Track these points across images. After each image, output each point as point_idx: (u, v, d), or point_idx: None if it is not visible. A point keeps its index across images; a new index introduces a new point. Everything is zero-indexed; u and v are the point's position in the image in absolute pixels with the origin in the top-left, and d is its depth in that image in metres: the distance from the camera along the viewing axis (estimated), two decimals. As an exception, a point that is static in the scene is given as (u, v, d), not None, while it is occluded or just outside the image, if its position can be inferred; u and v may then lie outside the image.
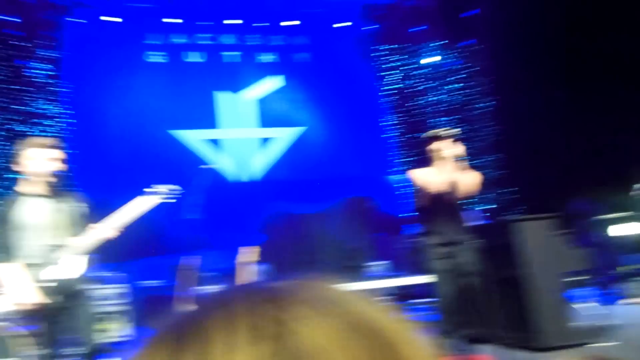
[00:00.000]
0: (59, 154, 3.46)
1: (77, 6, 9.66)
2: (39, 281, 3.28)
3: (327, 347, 0.34)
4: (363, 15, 11.05)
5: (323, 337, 0.35)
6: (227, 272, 8.09)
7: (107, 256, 5.78)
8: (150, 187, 3.61)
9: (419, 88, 11.24)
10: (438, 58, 11.13)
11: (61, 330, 3.32)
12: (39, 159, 3.36)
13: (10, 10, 9.13)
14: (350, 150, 10.97)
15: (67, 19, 9.87)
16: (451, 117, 10.70)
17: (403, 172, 10.71)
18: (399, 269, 7.11)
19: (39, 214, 3.30)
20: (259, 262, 5.66)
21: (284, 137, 10.97)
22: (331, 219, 8.19)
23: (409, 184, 4.24)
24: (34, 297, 3.24)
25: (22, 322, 4.88)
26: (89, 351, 3.33)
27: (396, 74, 11.36)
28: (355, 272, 6.61)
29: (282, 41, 11.14)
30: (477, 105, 10.78)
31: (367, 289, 5.46)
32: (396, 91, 11.34)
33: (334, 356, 0.34)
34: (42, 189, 3.38)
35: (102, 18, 10.01)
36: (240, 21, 10.66)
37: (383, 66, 11.41)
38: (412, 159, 10.41)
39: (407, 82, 11.32)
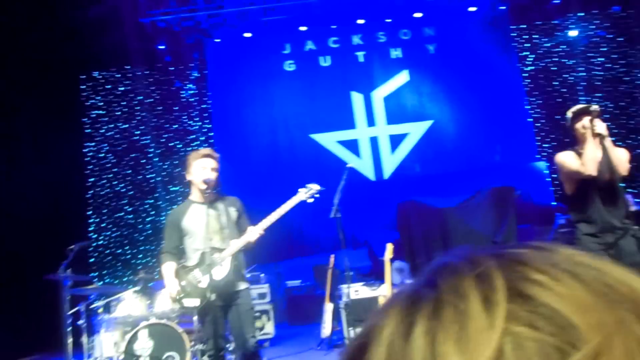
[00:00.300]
0: (216, 163, 3.73)
1: (218, 27, 10.40)
2: (202, 282, 3.60)
3: (581, 309, 0.33)
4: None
5: (575, 299, 0.34)
6: (368, 270, 8.12)
7: (252, 258, 6.10)
8: (304, 187, 3.77)
9: (559, 66, 10.31)
10: (576, 32, 10.12)
11: (225, 328, 3.60)
12: (202, 169, 3.67)
13: (159, 39, 10.13)
14: (488, 139, 10.41)
15: (212, 39, 10.71)
16: (595, 95, 9.66)
17: (549, 157, 9.90)
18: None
19: (202, 219, 3.57)
20: (393, 260, 5.56)
21: (415, 131, 10.74)
22: (472, 212, 7.83)
23: (555, 169, 3.81)
24: (196, 298, 3.58)
25: (187, 320, 5.38)
26: (251, 347, 3.54)
27: (533, 53, 10.54)
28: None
29: (408, 35, 10.94)
30: (624, 79, 9.60)
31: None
32: (534, 72, 10.52)
33: (588, 320, 0.33)
34: (205, 196, 3.66)
35: (246, 35, 10.65)
36: (362, 21, 10.70)
37: (518, 47, 10.66)
38: (557, 142, 9.57)
39: (545, 61, 10.45)
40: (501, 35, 10.79)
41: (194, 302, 3.62)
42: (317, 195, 3.78)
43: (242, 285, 3.63)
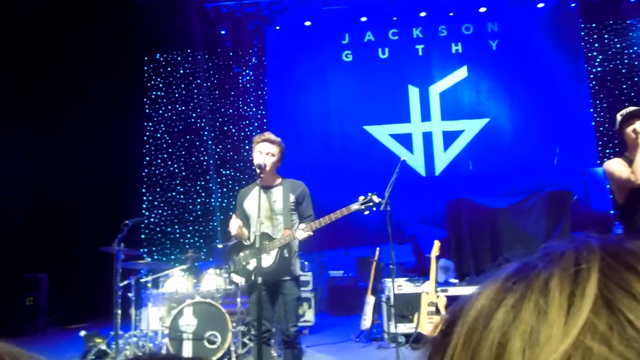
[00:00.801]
0: (274, 147, 3.70)
1: (279, 15, 10.47)
2: (250, 264, 3.66)
3: None
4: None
5: None
6: (412, 266, 8.03)
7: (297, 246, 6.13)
8: (363, 197, 3.66)
9: (629, 69, 9.80)
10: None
11: (270, 313, 3.64)
12: (258, 153, 3.67)
13: (221, 24, 10.30)
14: (547, 141, 10.05)
15: (273, 26, 10.80)
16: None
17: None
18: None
19: (257, 203, 3.53)
20: (439, 257, 5.48)
21: (471, 129, 10.49)
22: (525, 214, 7.58)
23: (606, 176, 3.54)
24: (242, 277, 3.67)
25: (231, 302, 5.49)
26: (292, 335, 3.58)
27: (602, 54, 10.06)
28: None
29: (470, 30, 10.67)
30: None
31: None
32: (602, 74, 10.05)
33: None
34: (265, 180, 3.67)
35: (305, 23, 10.68)
36: (424, 14, 10.51)
37: (586, 47, 10.21)
38: (620, 149, 9.11)
39: (615, 62, 9.96)
40: (568, 33, 10.36)
41: (240, 280, 3.70)
42: (374, 209, 3.67)
43: (286, 277, 3.62)
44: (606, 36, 10.20)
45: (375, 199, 3.64)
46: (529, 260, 0.37)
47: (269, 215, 3.65)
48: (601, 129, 10.10)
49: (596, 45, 10.26)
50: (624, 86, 9.99)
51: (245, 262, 3.68)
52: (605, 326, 0.31)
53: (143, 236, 10.07)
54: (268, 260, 3.54)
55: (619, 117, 3.44)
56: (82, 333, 5.64)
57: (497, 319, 0.34)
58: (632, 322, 0.30)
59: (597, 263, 0.34)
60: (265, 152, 3.66)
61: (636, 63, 9.96)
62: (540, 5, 10.23)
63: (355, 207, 3.62)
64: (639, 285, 0.32)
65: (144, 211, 10.18)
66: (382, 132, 10.63)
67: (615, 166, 3.40)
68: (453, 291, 5.85)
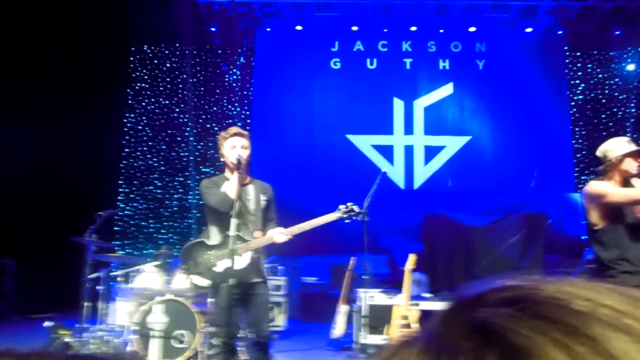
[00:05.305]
0: (246, 140, 3.58)
1: (271, 16, 10.45)
2: (217, 266, 3.51)
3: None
4: (550, 19, 10.17)
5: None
6: (386, 277, 8.06)
7: (272, 249, 6.10)
8: (344, 206, 3.58)
9: (609, 99, 10.04)
10: (633, 67, 9.81)
11: (240, 315, 3.52)
12: (231, 147, 3.53)
13: (212, 21, 10.24)
14: (526, 163, 10.22)
15: (264, 28, 10.78)
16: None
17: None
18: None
19: (228, 201, 3.39)
20: (414, 270, 5.50)
21: (452, 145, 10.60)
22: (500, 234, 7.69)
23: (589, 198, 3.55)
24: (207, 279, 3.53)
25: (202, 301, 5.41)
26: (265, 337, 3.50)
27: (584, 82, 10.28)
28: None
29: (458, 48, 10.80)
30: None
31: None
32: (583, 102, 10.27)
33: None
34: (237, 177, 3.46)
35: (297, 28, 10.69)
36: (415, 28, 10.61)
37: (569, 74, 10.42)
38: (596, 176, 9.31)
39: (596, 91, 10.18)
40: (554, 59, 10.57)
41: (203, 282, 3.52)
42: (355, 218, 3.61)
43: (258, 279, 3.52)
44: (589, 65, 10.43)
45: (356, 209, 3.59)
46: (437, 329, 0.35)
47: (243, 215, 3.50)
48: (579, 155, 10.30)
49: (579, 73, 10.49)
50: (604, 115, 10.22)
51: (211, 263, 3.50)
52: None
53: (117, 228, 9.91)
54: (241, 262, 3.39)
55: (627, 144, 3.43)
56: (47, 323, 5.51)
57: None
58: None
59: (505, 320, 0.32)
60: (239, 145, 3.53)
61: (616, 94, 10.20)
62: (529, 29, 10.41)
63: (337, 215, 3.55)
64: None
65: (119, 203, 10.02)
66: (364, 142, 10.67)
67: (600, 184, 3.44)
68: (425, 305, 5.87)
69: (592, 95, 10.35)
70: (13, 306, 7.81)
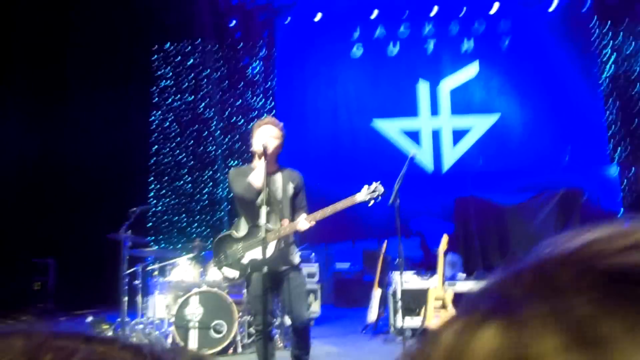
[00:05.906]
0: (278, 131, 3.56)
1: (289, 8, 10.41)
2: (244, 258, 3.53)
3: None
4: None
5: None
6: (419, 260, 8.02)
7: (304, 237, 6.13)
8: (367, 186, 3.53)
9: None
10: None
11: (276, 303, 3.51)
12: (261, 136, 3.50)
13: (232, 15, 10.27)
14: (558, 139, 9.99)
15: (283, 19, 10.76)
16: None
17: (621, 162, 9.40)
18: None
19: (253, 190, 3.41)
20: (447, 251, 5.45)
21: (480, 125, 10.43)
22: (534, 212, 7.55)
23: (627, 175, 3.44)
24: (236, 270, 3.55)
25: (237, 291, 5.46)
26: (302, 322, 3.49)
27: (615, 55, 9.95)
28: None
29: (482, 27, 10.56)
30: None
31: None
32: (614, 74, 9.94)
33: None
34: (263, 165, 3.41)
35: (316, 17, 10.62)
36: (435, 9, 10.42)
37: (599, 47, 10.10)
38: (631, 148, 9.05)
39: (629, 65, 9.84)
40: (582, 33, 10.25)
41: (232, 274, 3.55)
42: (380, 199, 3.51)
43: (287, 266, 3.51)
44: (620, 37, 10.08)
45: (380, 188, 3.51)
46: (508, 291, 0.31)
47: (269, 202, 3.45)
48: (613, 127, 10.00)
49: (609, 45, 10.15)
50: (638, 86, 9.88)
51: (239, 255, 3.52)
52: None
53: (150, 224, 10.08)
54: (267, 251, 3.35)
55: None
56: (89, 319, 5.65)
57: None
58: None
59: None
60: (268, 134, 3.50)
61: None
62: (554, 5, 10.12)
63: (359, 197, 3.50)
64: None
65: (150, 199, 10.19)
66: (390, 127, 10.59)
67: None
68: (460, 286, 5.82)
69: (624, 65, 10.01)
70: (57, 304, 8.03)
